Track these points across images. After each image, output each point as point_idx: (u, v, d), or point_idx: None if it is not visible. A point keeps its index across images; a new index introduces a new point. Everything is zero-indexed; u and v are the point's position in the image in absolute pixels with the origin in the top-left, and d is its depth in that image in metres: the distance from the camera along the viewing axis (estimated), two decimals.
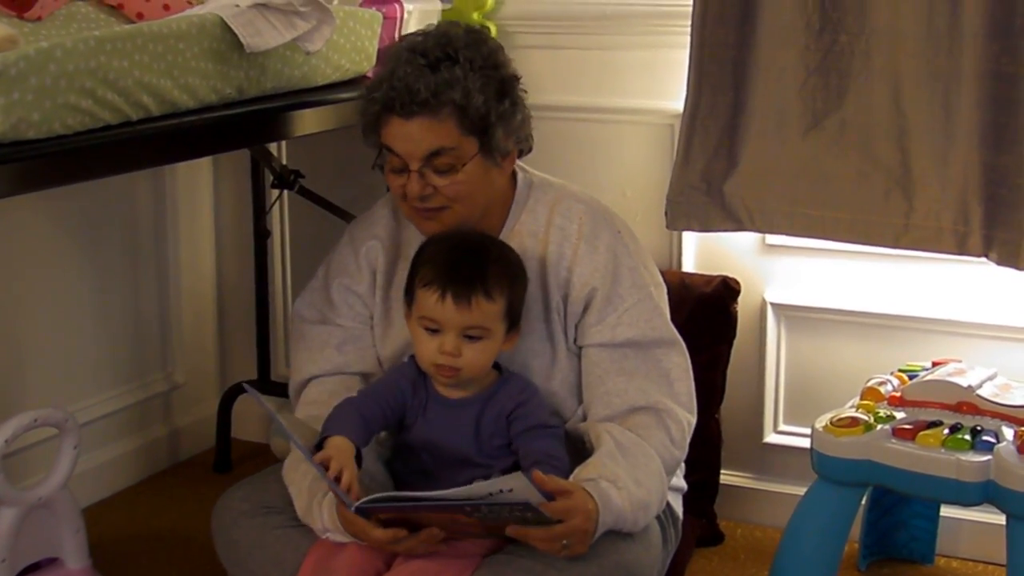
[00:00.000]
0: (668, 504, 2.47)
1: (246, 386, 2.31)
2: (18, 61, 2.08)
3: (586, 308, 2.41)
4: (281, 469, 2.39)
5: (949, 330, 3.13)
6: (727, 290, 3.18)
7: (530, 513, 2.03)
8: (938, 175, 2.92)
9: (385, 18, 3.05)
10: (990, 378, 2.86)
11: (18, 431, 2.64)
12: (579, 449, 2.33)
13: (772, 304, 3.29)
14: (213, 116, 2.53)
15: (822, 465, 2.79)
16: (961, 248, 2.93)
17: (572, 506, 2.10)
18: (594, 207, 2.48)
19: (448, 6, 3.34)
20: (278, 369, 3.77)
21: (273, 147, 3.62)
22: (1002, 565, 2.74)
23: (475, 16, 3.32)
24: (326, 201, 3.46)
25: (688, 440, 2.41)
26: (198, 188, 3.82)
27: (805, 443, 2.87)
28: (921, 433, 2.70)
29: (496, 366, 2.35)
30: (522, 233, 2.44)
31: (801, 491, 2.87)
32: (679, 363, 2.42)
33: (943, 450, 2.66)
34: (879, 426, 2.74)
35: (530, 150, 2.49)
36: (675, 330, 2.45)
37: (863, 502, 2.93)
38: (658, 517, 2.40)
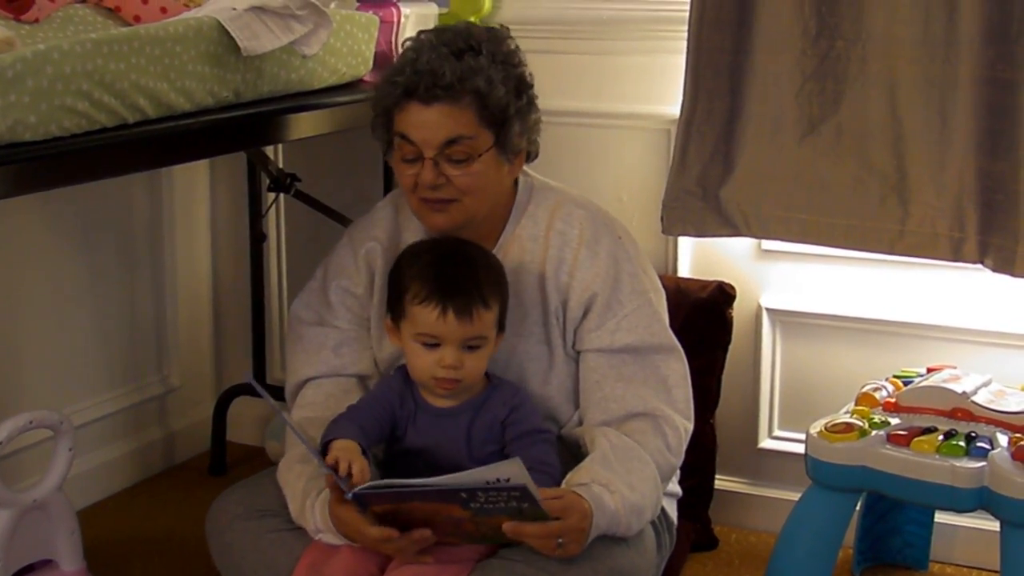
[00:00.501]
0: (663, 509, 2.47)
1: (254, 383, 2.30)
2: (15, 63, 2.08)
3: (586, 313, 2.41)
4: (275, 472, 2.39)
5: (944, 336, 3.13)
6: (722, 295, 3.18)
7: (526, 504, 2.02)
8: (934, 181, 2.92)
9: (382, 22, 3.05)
10: (985, 384, 2.86)
11: (13, 433, 2.64)
12: (575, 454, 2.34)
13: (767, 309, 3.29)
14: (210, 119, 2.53)
15: (816, 471, 2.79)
16: (956, 254, 2.93)
17: (567, 504, 2.11)
18: (595, 213, 2.48)
19: (445, 10, 3.34)
20: (273, 372, 3.77)
21: (269, 150, 3.63)
22: (996, 571, 2.74)
23: (472, 20, 3.32)
24: (322, 205, 3.46)
25: (685, 447, 2.41)
26: (194, 191, 3.82)
27: (800, 448, 2.87)
28: (916, 439, 2.70)
29: (485, 373, 2.35)
30: (522, 237, 2.45)
31: (796, 496, 2.87)
32: (677, 370, 2.43)
33: (937, 456, 2.66)
34: (874, 432, 2.74)
35: (536, 156, 2.49)
36: (674, 337, 2.46)
37: (857, 508, 2.93)
38: (652, 522, 2.40)
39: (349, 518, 2.16)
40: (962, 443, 2.67)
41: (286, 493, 2.32)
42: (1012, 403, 2.78)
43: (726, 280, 3.21)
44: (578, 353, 2.44)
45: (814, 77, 3.00)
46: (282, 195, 3.54)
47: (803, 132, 3.03)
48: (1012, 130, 2.82)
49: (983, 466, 2.62)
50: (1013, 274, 2.85)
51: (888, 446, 2.71)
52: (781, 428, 3.36)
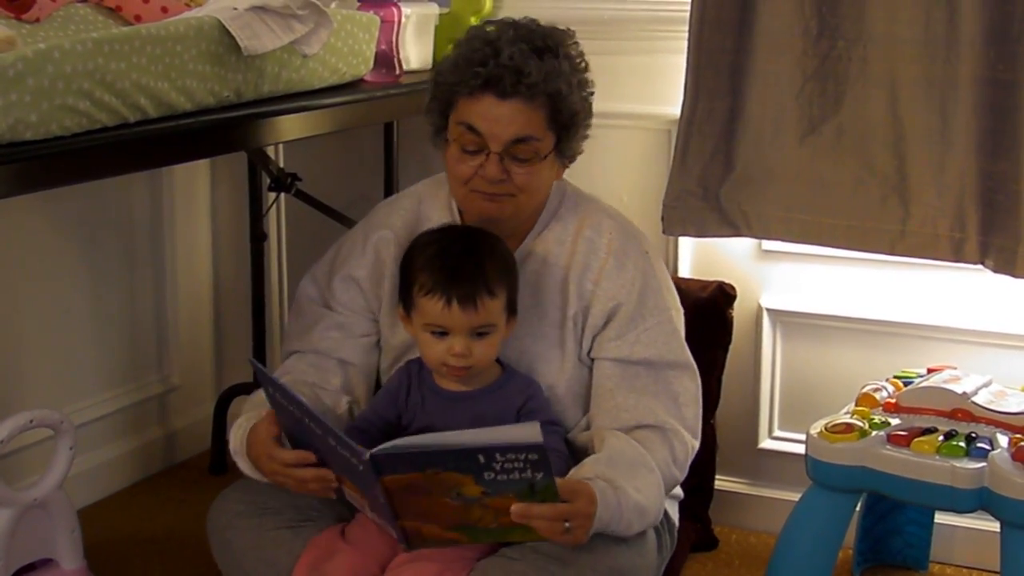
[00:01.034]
0: (665, 511, 2.47)
1: (253, 362, 2.28)
2: (16, 62, 2.08)
3: (607, 322, 2.41)
4: None
5: (944, 337, 3.13)
6: (723, 295, 3.18)
7: (540, 474, 1.99)
8: (935, 181, 2.92)
9: (383, 22, 3.05)
10: (985, 385, 2.86)
11: (14, 432, 2.64)
12: (580, 460, 2.33)
13: (768, 310, 3.29)
14: (210, 119, 2.53)
15: (817, 471, 2.79)
16: (957, 255, 2.93)
17: (576, 487, 2.10)
18: (624, 225, 2.49)
19: (446, 10, 3.35)
20: (274, 371, 3.77)
21: (270, 150, 3.63)
22: (996, 572, 2.74)
23: (473, 20, 3.32)
24: (323, 204, 3.47)
25: (689, 464, 2.41)
26: (195, 190, 3.82)
27: (800, 449, 2.87)
28: (916, 440, 2.70)
29: (497, 361, 2.36)
30: (548, 239, 2.45)
31: (796, 497, 2.87)
32: (689, 388, 2.43)
33: (938, 457, 2.66)
34: (874, 432, 2.75)
35: (573, 161, 2.49)
36: (690, 356, 2.46)
37: (857, 508, 2.93)
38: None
39: (263, 437, 2.19)
40: (962, 444, 2.67)
41: (233, 425, 2.37)
42: (1012, 404, 2.78)
43: (726, 280, 3.21)
44: (592, 360, 2.43)
45: (815, 77, 3.00)
46: (283, 194, 3.54)
47: (804, 132, 3.03)
48: (1013, 130, 2.82)
49: (983, 467, 2.62)
50: (1014, 275, 2.85)
51: (888, 447, 2.71)
52: (781, 428, 3.36)
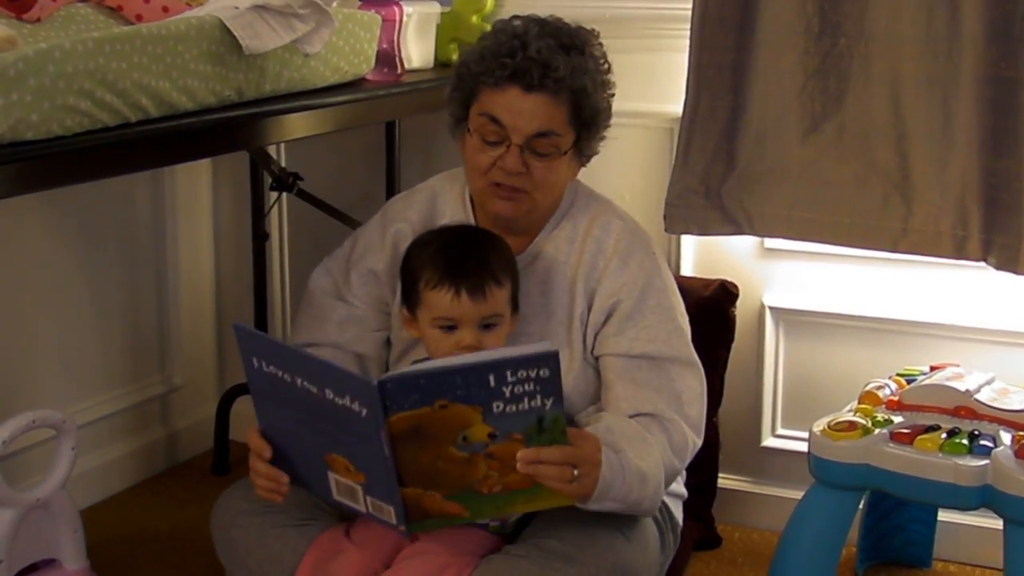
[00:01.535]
0: (668, 510, 2.47)
1: (237, 325, 2.16)
2: (17, 62, 2.08)
3: (607, 319, 2.40)
4: None
5: (947, 334, 3.13)
6: (725, 294, 3.18)
7: (549, 401, 1.96)
8: (937, 179, 2.92)
9: (384, 20, 3.05)
10: (988, 382, 2.86)
11: (16, 432, 2.64)
12: None
13: (770, 308, 3.29)
14: (212, 118, 2.53)
15: (820, 469, 2.79)
16: (960, 252, 2.93)
17: (583, 433, 2.10)
18: (633, 227, 2.48)
19: (447, 8, 3.35)
20: None
21: (272, 149, 3.63)
22: (999, 569, 2.74)
23: (474, 19, 3.32)
24: (325, 204, 3.47)
25: (689, 458, 2.38)
26: (197, 190, 3.82)
27: (803, 447, 2.86)
28: (919, 437, 2.70)
29: None
30: (559, 238, 2.45)
31: (799, 495, 2.87)
32: (692, 386, 2.41)
33: (941, 454, 2.66)
34: (877, 430, 2.74)
35: (589, 160, 2.49)
36: (695, 355, 2.44)
37: (860, 506, 2.93)
38: (657, 521, 2.40)
39: (251, 436, 2.17)
40: (965, 441, 2.67)
41: None
42: (1015, 401, 2.78)
43: (729, 279, 3.21)
44: (597, 359, 2.43)
45: (817, 75, 3.00)
46: (284, 194, 3.54)
47: (806, 130, 3.03)
48: (1015, 128, 2.82)
49: (986, 464, 2.62)
50: (1016, 272, 2.85)
51: (891, 444, 2.71)
52: (784, 426, 3.36)
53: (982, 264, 2.92)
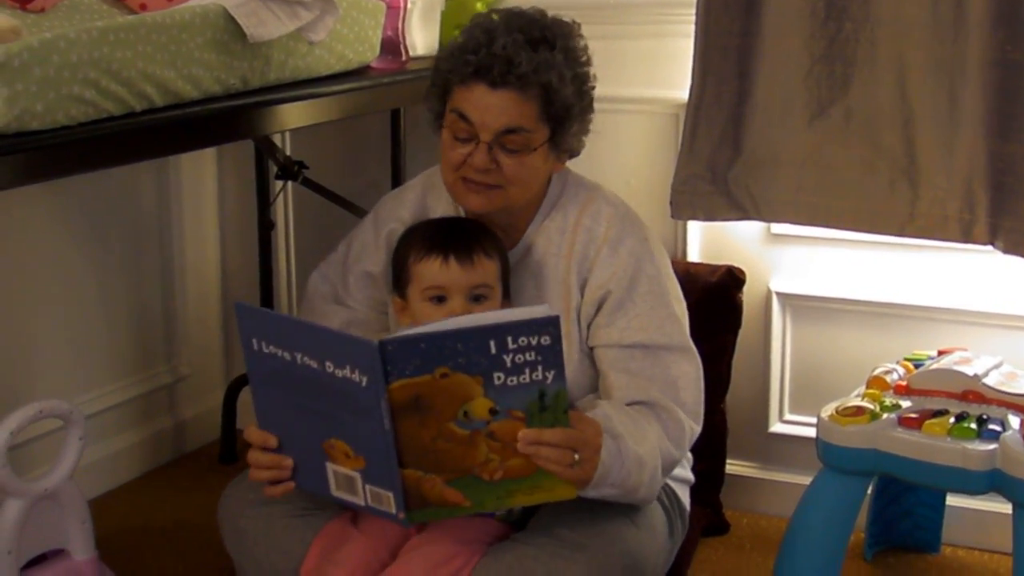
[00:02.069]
0: (676, 495, 2.47)
1: (239, 304, 2.17)
2: (22, 52, 2.08)
3: (598, 309, 2.40)
4: None
5: (955, 319, 3.13)
6: (732, 279, 3.17)
7: (551, 373, 1.95)
8: (943, 163, 2.91)
9: (389, 8, 3.05)
10: (996, 366, 2.85)
11: (24, 423, 2.64)
12: None
13: (777, 293, 3.29)
14: (217, 107, 2.53)
15: (827, 454, 2.78)
16: (967, 236, 2.92)
17: (584, 416, 2.09)
18: (624, 213, 2.46)
19: None
20: None
21: (277, 138, 3.62)
22: (1008, 554, 2.74)
23: (479, 6, 3.32)
24: (330, 192, 3.46)
25: (688, 445, 2.36)
26: (202, 179, 3.82)
27: (811, 432, 2.86)
28: (927, 422, 2.69)
29: None
30: (550, 229, 2.44)
31: (807, 480, 2.87)
32: (688, 372, 2.38)
33: (949, 439, 2.66)
34: (885, 415, 2.74)
35: (578, 154, 2.48)
36: (690, 341, 2.42)
37: (869, 491, 2.93)
38: (665, 508, 2.39)
39: (251, 431, 2.16)
40: (973, 425, 2.67)
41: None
42: (1023, 385, 2.78)
43: (736, 264, 3.20)
44: (591, 349, 2.42)
45: (823, 60, 3.00)
46: (290, 183, 3.55)
47: (812, 115, 3.02)
48: (1022, 112, 2.81)
49: (995, 448, 2.62)
50: (1023, 256, 2.84)
51: (899, 429, 2.71)
52: (792, 412, 3.36)
53: (989, 248, 2.92)
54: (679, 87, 3.19)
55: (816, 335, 3.29)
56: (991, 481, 2.64)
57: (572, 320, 2.40)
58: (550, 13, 2.40)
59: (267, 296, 3.69)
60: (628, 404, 2.30)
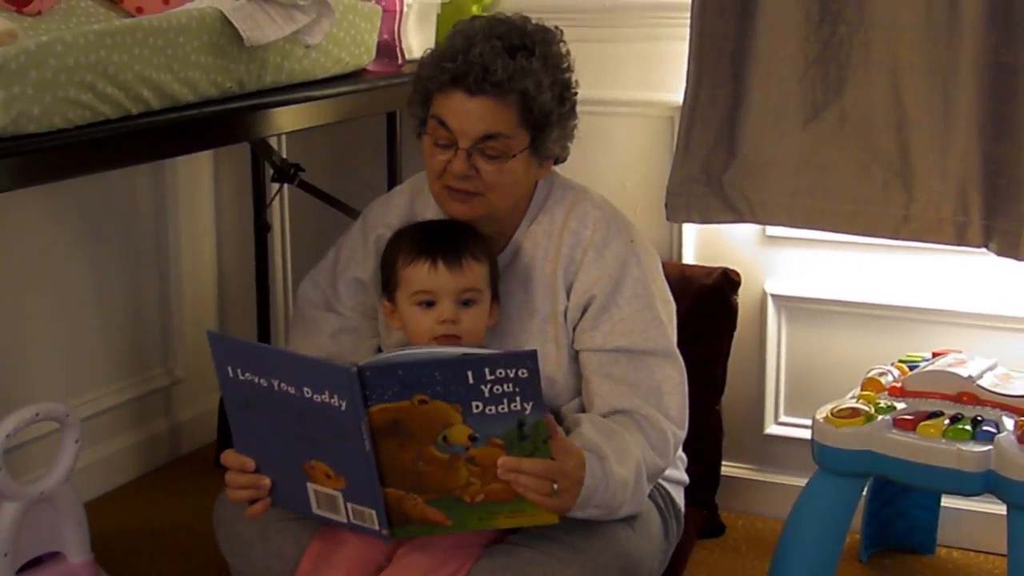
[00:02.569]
0: (671, 497, 2.47)
1: (211, 332, 2.17)
2: (18, 55, 2.08)
3: (583, 313, 2.39)
4: None
5: (949, 320, 3.13)
6: (727, 281, 3.18)
7: (529, 405, 1.95)
8: (937, 166, 2.92)
9: (384, 11, 3.05)
10: (990, 368, 2.86)
11: (19, 425, 2.64)
12: None
13: (772, 295, 3.29)
14: (213, 110, 2.53)
15: (823, 456, 2.79)
16: (961, 238, 2.93)
17: (566, 447, 2.07)
18: (611, 215, 2.46)
19: None
20: None
21: (273, 141, 3.63)
22: (1003, 555, 2.74)
23: (475, 9, 3.32)
24: (326, 195, 3.47)
25: (673, 452, 2.36)
26: (198, 182, 3.82)
27: (806, 434, 2.86)
28: (922, 423, 2.70)
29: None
30: (537, 233, 2.44)
31: (802, 482, 2.87)
32: (672, 376, 2.38)
33: (944, 440, 2.66)
34: (880, 417, 2.74)
35: (565, 159, 2.48)
36: (674, 346, 2.41)
37: (864, 493, 2.93)
38: (660, 509, 2.40)
39: (228, 455, 2.17)
40: (968, 427, 2.67)
41: None
42: (1018, 387, 2.78)
43: (731, 266, 3.21)
44: (577, 353, 2.42)
45: (817, 63, 3.00)
46: (286, 185, 3.55)
47: (806, 118, 3.03)
48: (1015, 114, 2.82)
49: (989, 450, 2.62)
50: (1017, 258, 2.85)
51: (894, 431, 2.71)
52: (787, 414, 3.36)
53: (983, 250, 2.92)
54: (674, 90, 3.20)
55: (811, 337, 3.30)
56: (986, 482, 2.64)
57: (559, 323, 2.40)
58: (534, 19, 2.40)
59: (263, 298, 3.70)
60: (611, 412, 2.30)
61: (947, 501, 3.13)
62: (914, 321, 3.17)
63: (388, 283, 2.35)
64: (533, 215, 2.44)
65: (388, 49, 3.10)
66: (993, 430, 2.66)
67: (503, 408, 1.97)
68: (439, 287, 2.26)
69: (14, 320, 3.27)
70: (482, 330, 2.32)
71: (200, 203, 3.83)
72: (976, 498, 2.82)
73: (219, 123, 2.57)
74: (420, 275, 2.27)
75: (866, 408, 2.77)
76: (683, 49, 3.11)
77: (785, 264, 3.28)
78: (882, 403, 2.79)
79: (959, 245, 2.95)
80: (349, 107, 2.92)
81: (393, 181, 3.35)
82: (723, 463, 3.27)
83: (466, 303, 2.28)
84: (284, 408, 2.06)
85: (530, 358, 1.93)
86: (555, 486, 2.03)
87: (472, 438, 1.99)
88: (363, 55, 2.96)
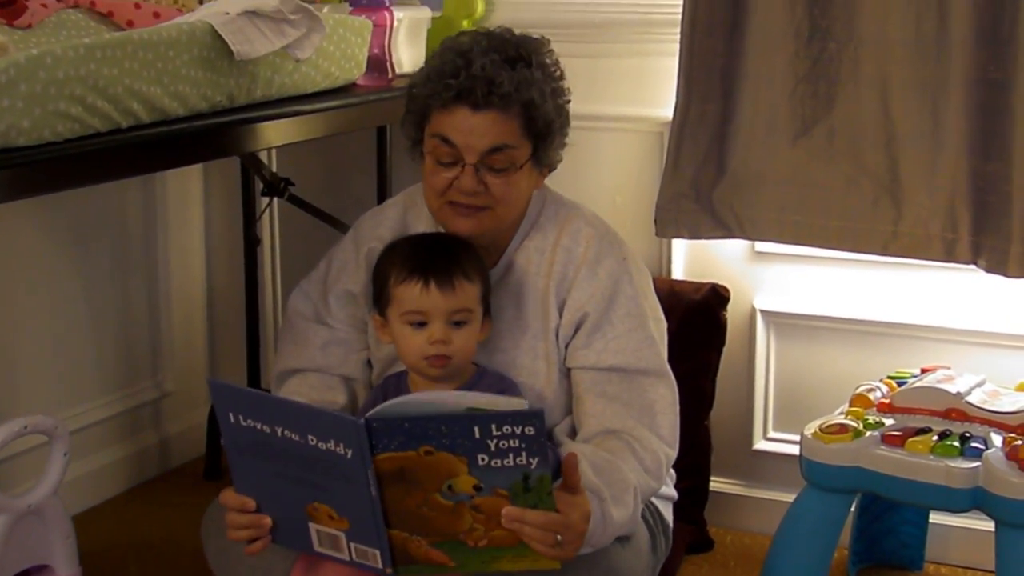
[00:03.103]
0: (659, 512, 2.46)
1: (211, 380, 2.17)
2: (8, 68, 2.08)
3: (576, 331, 2.39)
4: None
5: (938, 337, 3.14)
6: (716, 297, 3.18)
7: (535, 460, 1.94)
8: (926, 182, 2.93)
9: (375, 26, 3.06)
10: (979, 385, 2.86)
11: (8, 438, 2.64)
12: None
13: (761, 311, 3.30)
14: (203, 124, 2.52)
15: (811, 472, 2.79)
16: (949, 255, 2.93)
17: (575, 501, 2.06)
18: (603, 232, 2.45)
19: (438, 13, 3.35)
20: (268, 377, 3.77)
21: (263, 155, 3.63)
22: (991, 572, 2.74)
23: (465, 24, 3.33)
24: (316, 209, 3.47)
25: (665, 472, 2.36)
26: (188, 196, 3.82)
27: (794, 450, 2.87)
28: (910, 440, 2.70)
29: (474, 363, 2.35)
30: (529, 249, 2.43)
31: (790, 498, 2.88)
32: (664, 395, 2.37)
33: (932, 457, 2.67)
34: (868, 433, 2.75)
35: (555, 168, 2.48)
36: (667, 365, 2.41)
37: (852, 509, 2.94)
38: (648, 525, 2.39)
39: (227, 495, 2.16)
40: (956, 443, 2.68)
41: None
42: (1006, 403, 2.79)
43: (720, 282, 3.22)
44: (569, 371, 2.42)
45: (807, 79, 3.01)
46: (276, 199, 3.55)
47: (796, 134, 3.04)
48: (1004, 131, 2.83)
49: (977, 466, 2.63)
50: (1006, 274, 2.85)
51: (883, 447, 2.72)
52: (776, 430, 3.36)
53: (972, 266, 2.93)
54: (664, 106, 3.20)
55: (800, 353, 3.30)
56: (974, 499, 2.64)
57: (551, 340, 2.40)
58: (517, 31, 2.40)
59: (252, 312, 3.69)
60: (603, 432, 2.30)
61: (935, 517, 3.13)
62: (903, 337, 3.18)
63: (379, 298, 2.34)
64: (526, 231, 2.44)
65: (378, 63, 3.10)
66: (981, 447, 2.66)
67: (508, 462, 1.97)
68: (431, 308, 2.25)
69: (3, 333, 3.26)
70: (473, 349, 2.31)
71: (190, 217, 3.83)
72: (964, 514, 2.82)
73: (209, 137, 2.56)
74: (412, 295, 2.25)
75: (854, 424, 2.77)
76: (673, 65, 3.12)
77: (774, 280, 3.29)
78: (870, 419, 2.80)
79: (948, 262, 2.95)
80: (339, 121, 2.92)
81: (383, 195, 3.35)
82: (712, 478, 3.27)
83: (458, 323, 2.27)
84: (287, 454, 2.05)
85: (537, 417, 1.93)
86: (558, 537, 2.03)
87: (477, 488, 1.99)
88: (353, 69, 2.97)
